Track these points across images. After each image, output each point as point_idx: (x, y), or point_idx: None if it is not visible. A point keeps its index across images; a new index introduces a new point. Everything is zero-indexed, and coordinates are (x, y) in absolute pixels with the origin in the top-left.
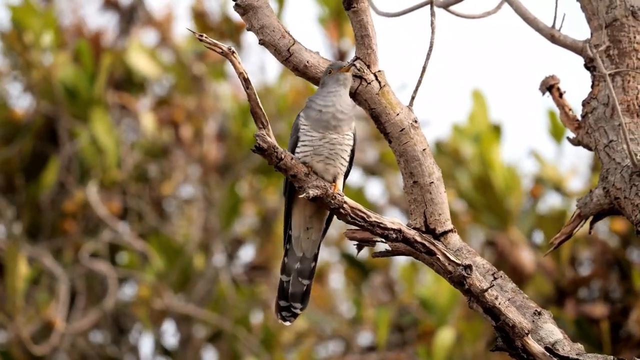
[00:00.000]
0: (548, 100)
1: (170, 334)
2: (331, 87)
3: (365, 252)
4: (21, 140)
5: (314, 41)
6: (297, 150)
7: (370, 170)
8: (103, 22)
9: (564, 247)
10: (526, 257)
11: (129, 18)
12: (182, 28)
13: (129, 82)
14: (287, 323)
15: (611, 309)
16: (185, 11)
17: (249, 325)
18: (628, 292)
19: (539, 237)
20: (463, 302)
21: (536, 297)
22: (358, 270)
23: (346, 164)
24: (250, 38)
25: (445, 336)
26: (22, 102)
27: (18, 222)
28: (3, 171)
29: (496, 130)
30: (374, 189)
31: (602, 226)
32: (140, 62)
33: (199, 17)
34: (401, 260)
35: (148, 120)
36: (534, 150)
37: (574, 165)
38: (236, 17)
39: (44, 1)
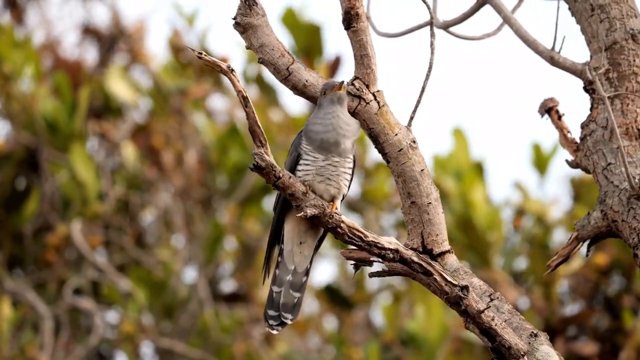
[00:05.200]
0: (539, 127)
1: None
2: (327, 108)
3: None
4: (2, 170)
5: None
6: (299, 168)
7: (351, 206)
8: (82, 48)
9: (554, 284)
10: (508, 292)
11: (109, 45)
12: (160, 53)
13: (107, 109)
14: (275, 331)
15: (601, 348)
16: (162, 42)
17: (231, 356)
18: (617, 330)
19: (521, 267)
20: (452, 337)
21: None
22: (338, 302)
23: (347, 185)
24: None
25: None
26: (1, 132)
27: None
28: None
29: (478, 168)
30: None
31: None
32: (119, 88)
33: (177, 52)
34: (383, 295)
35: (129, 151)
36: (517, 182)
37: (555, 194)
38: (216, 53)
39: (19, 27)
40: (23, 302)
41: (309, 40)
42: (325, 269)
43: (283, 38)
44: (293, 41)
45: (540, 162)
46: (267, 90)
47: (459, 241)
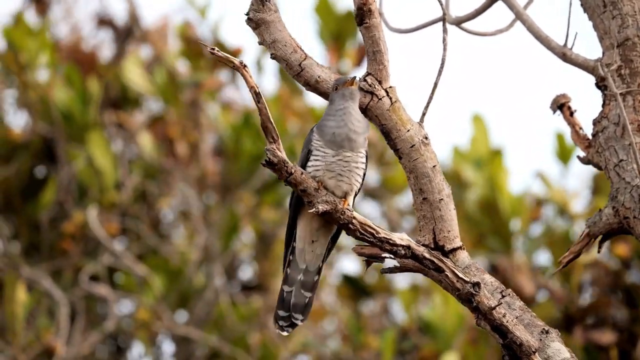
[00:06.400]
0: (556, 120)
1: (169, 354)
2: (339, 104)
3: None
4: (19, 159)
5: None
6: (309, 164)
7: (371, 194)
8: (98, 39)
9: (573, 274)
10: (527, 281)
11: (125, 36)
12: (176, 47)
13: (124, 99)
14: (285, 333)
15: (619, 337)
16: (176, 34)
17: (247, 345)
18: (636, 319)
19: (543, 259)
20: (469, 326)
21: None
22: (356, 292)
23: (360, 181)
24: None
25: None
26: (19, 121)
27: (16, 242)
28: (1, 190)
29: (497, 154)
30: (373, 212)
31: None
32: (136, 78)
33: (190, 43)
34: (401, 284)
35: (146, 140)
36: (540, 171)
37: (576, 187)
38: (230, 43)
39: (39, 18)
40: (39, 289)
41: (339, 26)
42: (348, 260)
43: (313, 24)
44: (323, 26)
45: (564, 153)
46: (289, 80)
47: (483, 226)
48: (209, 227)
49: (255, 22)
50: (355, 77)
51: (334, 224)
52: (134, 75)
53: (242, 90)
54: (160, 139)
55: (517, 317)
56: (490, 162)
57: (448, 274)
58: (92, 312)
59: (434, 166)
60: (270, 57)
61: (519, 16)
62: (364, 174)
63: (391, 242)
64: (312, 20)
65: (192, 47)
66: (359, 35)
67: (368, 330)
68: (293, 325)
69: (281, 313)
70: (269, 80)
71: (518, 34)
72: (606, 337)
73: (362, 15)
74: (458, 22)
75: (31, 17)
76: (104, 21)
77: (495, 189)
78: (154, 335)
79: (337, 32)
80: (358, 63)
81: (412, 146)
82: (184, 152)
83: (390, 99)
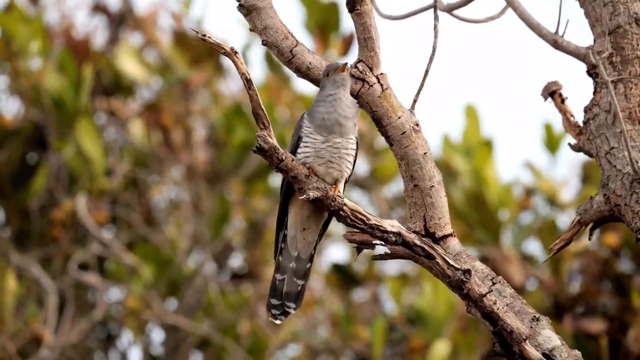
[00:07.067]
0: (544, 110)
1: (158, 342)
2: (330, 90)
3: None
4: (10, 146)
5: None
6: (299, 151)
7: (360, 184)
8: (92, 26)
9: (563, 262)
10: (516, 271)
11: (118, 23)
12: (167, 34)
13: (117, 87)
14: (278, 321)
15: (609, 325)
16: (167, 25)
17: (236, 334)
18: (626, 308)
19: (531, 248)
20: (459, 315)
21: None
22: (346, 280)
23: (350, 168)
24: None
25: (440, 349)
26: (11, 108)
27: (6, 228)
28: None
29: (488, 145)
30: (362, 202)
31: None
32: (129, 66)
33: (179, 37)
34: (391, 272)
35: (137, 127)
36: (528, 161)
37: (565, 176)
38: (214, 37)
39: (31, 5)
40: (28, 277)
41: (324, 17)
42: (337, 248)
43: (298, 14)
44: (308, 17)
45: (552, 142)
46: (275, 69)
47: (470, 218)
48: (199, 215)
49: (247, 9)
50: (346, 64)
51: (325, 210)
52: (127, 62)
53: (231, 81)
54: (153, 126)
55: (507, 305)
56: (478, 153)
57: (439, 261)
58: (82, 300)
59: (425, 153)
60: (262, 44)
61: (511, 3)
62: (355, 161)
63: (382, 228)
64: (298, 10)
65: (180, 40)
66: (345, 25)
67: (358, 319)
68: (286, 314)
69: (274, 301)
70: (257, 70)
71: (509, 21)
72: (596, 325)
73: (354, 2)
74: (449, 9)
75: (22, 4)
76: (97, 8)
77: (481, 180)
78: (144, 324)
79: (322, 22)
80: (344, 52)
81: (403, 133)
82: (177, 140)
83: (382, 85)
